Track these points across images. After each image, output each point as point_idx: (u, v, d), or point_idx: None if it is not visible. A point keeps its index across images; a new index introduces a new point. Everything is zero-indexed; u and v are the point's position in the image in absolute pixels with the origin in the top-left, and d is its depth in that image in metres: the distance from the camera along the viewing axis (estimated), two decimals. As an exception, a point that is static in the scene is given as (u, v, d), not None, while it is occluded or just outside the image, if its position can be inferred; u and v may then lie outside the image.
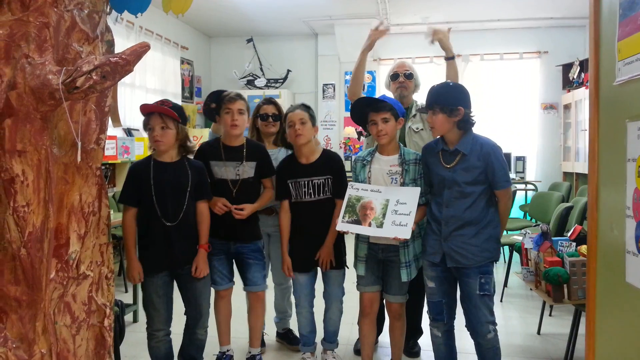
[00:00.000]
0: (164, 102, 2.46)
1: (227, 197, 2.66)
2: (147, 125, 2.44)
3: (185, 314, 2.60)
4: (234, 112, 2.67)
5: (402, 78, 3.12)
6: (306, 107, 2.76)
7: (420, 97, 3.28)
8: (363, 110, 2.59)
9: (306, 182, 2.70)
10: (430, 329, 2.56)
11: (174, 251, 2.46)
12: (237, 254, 2.77)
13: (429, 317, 2.55)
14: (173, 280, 2.54)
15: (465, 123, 2.37)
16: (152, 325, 2.50)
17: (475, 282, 2.36)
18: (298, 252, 2.75)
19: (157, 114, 2.41)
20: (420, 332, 3.23)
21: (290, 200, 2.74)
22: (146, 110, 2.44)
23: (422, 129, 3.07)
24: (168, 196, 2.45)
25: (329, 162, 2.76)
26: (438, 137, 2.50)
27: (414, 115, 3.11)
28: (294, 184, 2.72)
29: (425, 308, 2.59)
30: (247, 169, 2.74)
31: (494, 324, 2.41)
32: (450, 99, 2.36)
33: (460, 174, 2.37)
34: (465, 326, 2.47)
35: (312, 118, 2.74)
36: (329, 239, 2.70)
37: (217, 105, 2.76)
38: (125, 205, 2.48)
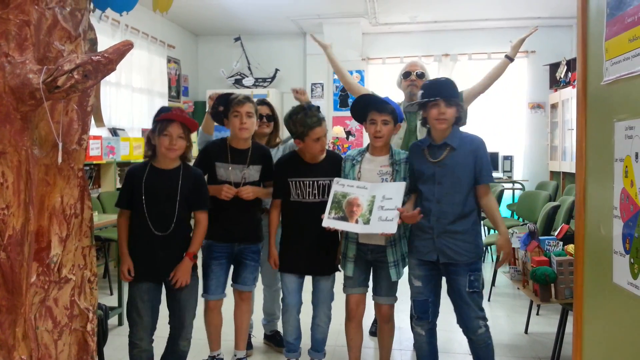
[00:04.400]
0: (182, 112, 2.45)
1: (229, 199, 2.62)
2: (162, 131, 2.35)
3: (169, 324, 2.53)
4: (243, 115, 2.64)
5: (414, 77, 3.18)
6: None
7: None
8: (366, 107, 2.58)
9: (311, 183, 2.63)
10: (414, 328, 2.55)
11: (156, 262, 2.39)
12: (237, 254, 2.75)
13: (413, 316, 2.53)
14: (160, 288, 2.47)
15: (460, 119, 2.43)
16: (134, 333, 2.42)
17: (464, 279, 2.38)
18: (294, 253, 2.67)
19: (178, 122, 2.38)
20: None
21: (288, 199, 2.66)
22: (174, 117, 2.38)
23: None
24: (158, 204, 2.39)
25: (335, 164, 2.68)
26: (425, 136, 2.51)
27: None
28: (297, 182, 2.63)
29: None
30: (253, 172, 2.72)
31: (484, 319, 2.43)
32: (457, 94, 2.43)
33: (451, 168, 2.37)
34: (457, 323, 2.48)
35: None
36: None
37: (224, 108, 2.71)
38: (118, 207, 2.46)
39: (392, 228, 2.36)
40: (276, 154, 3.07)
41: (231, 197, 2.61)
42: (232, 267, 2.80)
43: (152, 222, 2.38)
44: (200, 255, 2.69)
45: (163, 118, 2.37)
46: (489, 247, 5.30)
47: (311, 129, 2.57)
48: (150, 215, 2.38)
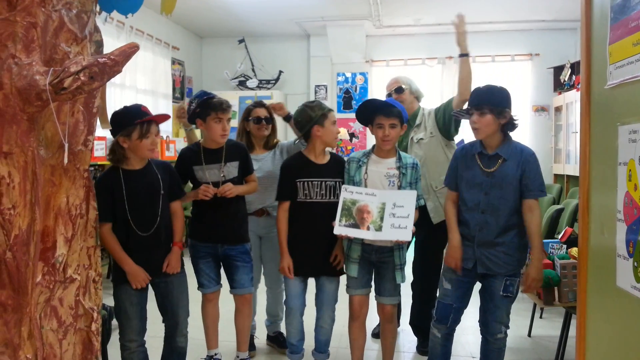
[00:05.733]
0: (145, 108, 2.40)
1: (211, 200, 2.62)
2: (146, 133, 2.31)
3: (163, 323, 2.55)
4: (224, 122, 2.66)
5: (394, 95, 3.20)
6: None
7: (426, 104, 3.34)
8: (372, 112, 2.58)
9: (319, 183, 2.63)
10: (431, 328, 2.56)
11: (151, 261, 2.40)
12: (224, 257, 2.75)
13: (434, 317, 2.52)
14: (147, 289, 2.46)
15: (511, 126, 2.38)
16: (124, 335, 2.43)
17: (500, 283, 2.37)
18: (300, 256, 2.65)
19: (154, 122, 2.36)
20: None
21: (295, 200, 2.65)
22: (155, 119, 2.36)
23: (422, 139, 3.09)
24: (142, 205, 2.38)
25: (339, 166, 2.71)
26: (474, 140, 2.48)
27: (418, 125, 3.15)
28: (305, 183, 2.63)
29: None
30: (231, 169, 2.72)
31: (507, 326, 2.43)
32: (499, 100, 2.36)
33: (501, 180, 2.33)
34: (479, 321, 2.49)
35: None
36: (340, 239, 2.64)
37: (201, 109, 2.66)
38: (100, 222, 2.28)
39: (407, 236, 2.39)
40: (274, 155, 3.08)
41: (211, 196, 2.60)
42: (221, 264, 2.81)
43: (137, 224, 2.36)
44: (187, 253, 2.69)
45: (144, 121, 2.31)
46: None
47: (330, 111, 2.67)
48: (134, 218, 2.35)
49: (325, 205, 2.60)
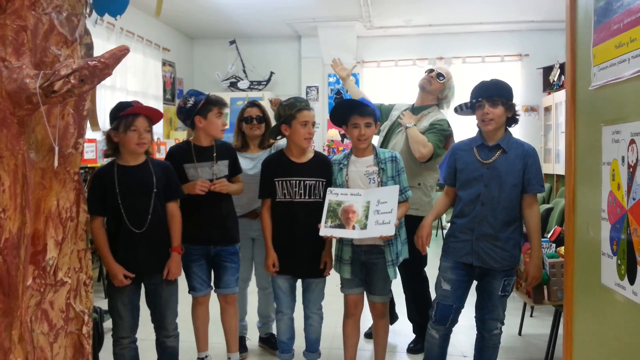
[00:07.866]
0: (141, 104, 2.42)
1: (202, 197, 2.63)
2: (129, 127, 2.31)
3: (152, 322, 2.55)
4: (223, 116, 2.70)
5: (434, 74, 3.18)
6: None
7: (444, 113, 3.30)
8: (347, 112, 2.59)
9: (297, 182, 2.62)
10: (429, 329, 2.54)
11: (140, 259, 2.39)
12: (214, 256, 2.75)
13: (432, 318, 2.51)
14: (140, 287, 2.48)
15: (515, 120, 2.45)
16: (116, 332, 2.46)
17: (499, 283, 2.39)
18: (285, 255, 2.65)
19: (143, 115, 2.35)
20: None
21: (274, 199, 2.66)
22: (140, 111, 2.36)
23: (408, 127, 3.13)
24: (134, 201, 2.38)
25: (323, 166, 2.68)
26: (473, 136, 2.50)
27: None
28: (283, 182, 2.62)
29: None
30: (222, 168, 2.73)
31: (503, 322, 2.46)
32: (509, 93, 2.43)
33: (500, 172, 2.35)
34: (475, 317, 2.51)
35: None
36: (328, 243, 2.65)
37: (195, 106, 2.64)
38: (92, 215, 2.27)
39: (390, 230, 2.39)
40: (264, 156, 3.08)
41: (206, 190, 2.61)
42: (212, 268, 2.80)
43: (130, 220, 2.35)
44: None
45: (128, 113, 2.32)
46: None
47: (299, 111, 2.60)
48: (127, 214, 2.35)
49: (305, 205, 2.60)
